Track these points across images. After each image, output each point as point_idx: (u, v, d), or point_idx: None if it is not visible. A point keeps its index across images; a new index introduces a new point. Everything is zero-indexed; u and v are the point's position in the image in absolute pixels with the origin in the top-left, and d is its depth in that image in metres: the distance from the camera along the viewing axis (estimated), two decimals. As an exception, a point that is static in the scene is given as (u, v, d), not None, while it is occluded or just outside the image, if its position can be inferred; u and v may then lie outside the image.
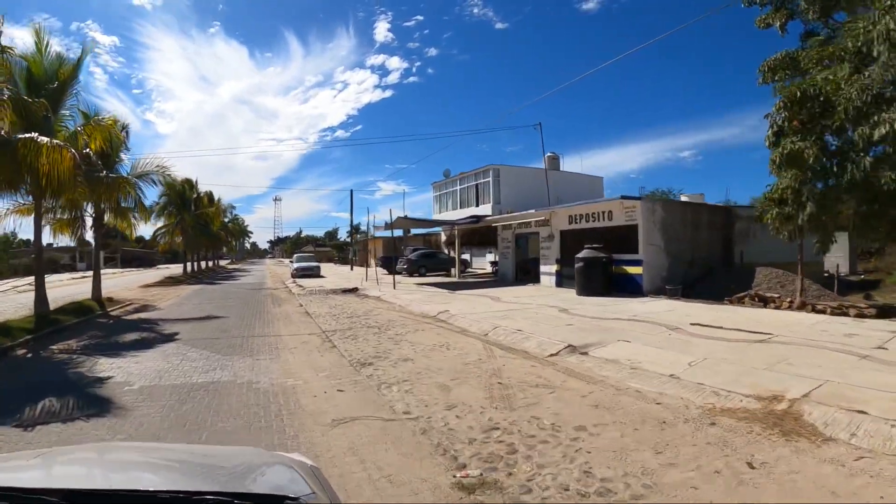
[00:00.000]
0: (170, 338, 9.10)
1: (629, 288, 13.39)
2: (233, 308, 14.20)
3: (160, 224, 29.19)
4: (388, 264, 27.12)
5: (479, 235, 24.75)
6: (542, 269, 17.81)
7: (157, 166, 15.93)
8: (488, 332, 8.83)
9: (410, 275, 25.47)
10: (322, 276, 27.54)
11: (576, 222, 16.03)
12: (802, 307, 10.08)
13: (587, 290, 13.56)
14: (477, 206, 26.97)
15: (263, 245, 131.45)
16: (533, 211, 18.08)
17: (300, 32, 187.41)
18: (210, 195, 37.60)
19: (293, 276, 26.80)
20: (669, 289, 12.53)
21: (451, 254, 26.73)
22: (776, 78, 10.58)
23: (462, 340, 8.27)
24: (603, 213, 14.78)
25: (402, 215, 19.99)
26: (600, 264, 13.53)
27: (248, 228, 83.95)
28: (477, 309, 11.53)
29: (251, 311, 13.58)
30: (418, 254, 27.17)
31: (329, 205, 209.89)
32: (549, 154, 29.12)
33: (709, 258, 14.63)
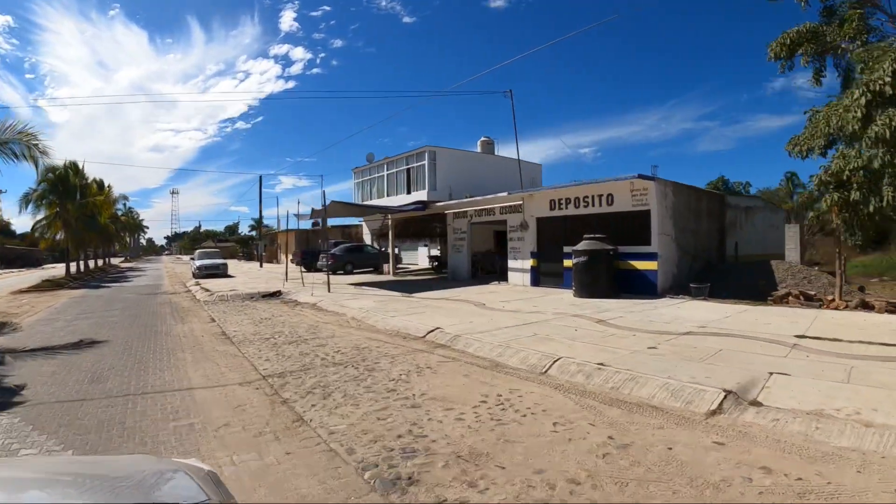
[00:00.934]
0: (4, 401, 4.77)
1: (638, 287, 11.18)
2: (120, 326, 9.91)
3: (40, 216, 24.41)
4: (307, 260, 23.33)
5: (414, 226, 21.54)
6: (511, 264, 15.12)
7: (21, 133, 11.24)
8: (545, 367, 5.74)
9: (334, 272, 21.66)
10: (230, 276, 22.97)
11: (560, 208, 13.53)
12: (864, 306, 8.53)
13: (589, 290, 11.09)
14: (408, 192, 23.69)
15: (160, 241, 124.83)
16: (504, 194, 15.26)
17: (203, 18, 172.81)
18: (100, 183, 31.67)
19: (195, 276, 22.44)
20: (695, 287, 10.51)
21: (385, 248, 23.30)
22: (801, 51, 10.34)
23: (517, 387, 5.10)
24: (600, 196, 12.43)
25: (332, 201, 15.95)
26: (606, 258, 11.14)
27: (144, 223, 76.82)
28: (476, 323, 8.39)
29: (144, 331, 9.27)
30: (343, 248, 23.42)
31: (229, 198, 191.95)
32: (483, 139, 26.69)
33: (707, 251, 13.06)
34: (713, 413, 4.18)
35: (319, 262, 22.62)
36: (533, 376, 5.52)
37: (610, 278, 11.15)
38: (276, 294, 14.71)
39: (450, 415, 4.29)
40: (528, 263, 14.41)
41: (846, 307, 8.72)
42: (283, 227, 42.09)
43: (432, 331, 7.79)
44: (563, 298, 11.19)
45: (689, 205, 12.58)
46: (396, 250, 24.26)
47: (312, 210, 17.65)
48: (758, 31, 71.22)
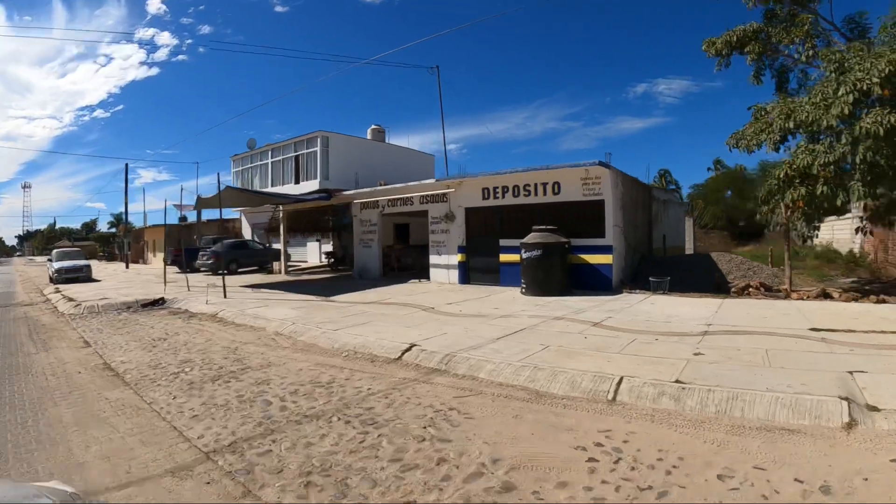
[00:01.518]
0: None
1: (592, 283, 10.50)
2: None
3: None
4: (184, 259, 19.55)
5: (305, 220, 18.79)
6: (434, 259, 13.56)
7: None
8: (610, 392, 4.42)
9: (214, 272, 18.16)
10: (95, 280, 19.08)
11: (495, 197, 12.34)
12: (825, 296, 8.82)
13: (543, 287, 10.10)
14: (297, 182, 20.71)
15: (11, 241, 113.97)
16: (430, 180, 13.57)
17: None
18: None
19: (54, 280, 18.77)
20: (654, 282, 10.14)
21: (272, 244, 20.62)
22: (746, 50, 10.95)
23: (604, 427, 3.71)
24: (545, 184, 11.51)
25: (227, 187, 12.78)
26: (560, 252, 10.24)
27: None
28: (453, 334, 6.78)
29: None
30: (226, 245, 19.67)
31: (85, 193, 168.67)
32: (373, 126, 24.65)
33: (642, 244, 13.03)
34: (850, 426, 3.45)
35: (199, 262, 19.07)
36: (602, 406, 4.12)
37: (564, 274, 10.29)
38: (159, 302, 11.53)
39: (576, 496, 2.61)
40: (455, 259, 13.00)
41: (809, 297, 8.89)
42: (149, 222, 38.34)
43: (408, 349, 5.90)
44: (515, 298, 10.01)
45: (632, 196, 12.38)
46: (279, 245, 21.00)
47: (198, 199, 14.07)
48: (622, 39, 79.53)
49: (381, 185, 15.57)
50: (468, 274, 12.85)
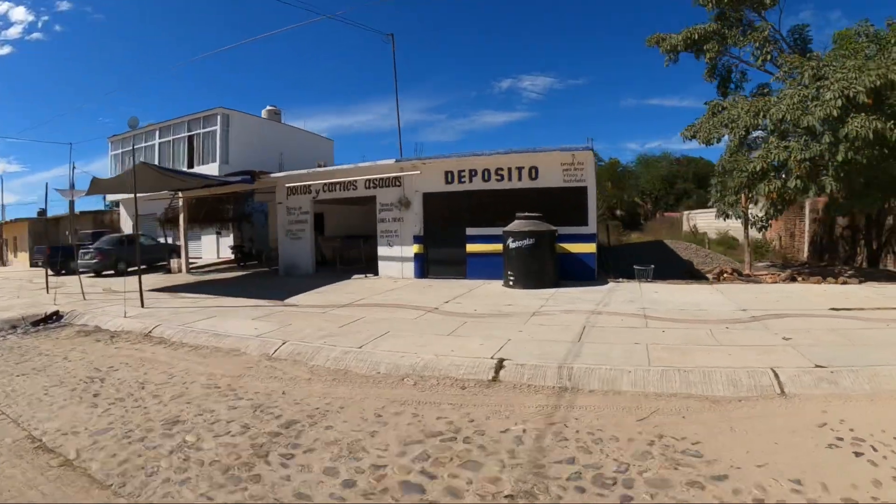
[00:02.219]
0: None
1: (576, 273, 10.17)
2: None
3: None
4: (58, 259, 16.65)
5: (204, 210, 15.79)
6: (385, 251, 12.15)
7: None
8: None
9: (98, 273, 15.43)
10: None
11: (460, 181, 11.34)
12: (793, 280, 9.61)
13: (534, 279, 9.51)
14: (190, 166, 17.43)
15: None
16: (388, 161, 11.91)
17: None
18: None
19: None
20: (639, 270, 10.10)
21: (167, 238, 17.32)
22: (706, 48, 11.91)
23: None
24: (520, 169, 10.83)
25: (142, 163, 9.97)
26: (550, 241, 9.70)
27: None
28: (519, 340, 5.80)
29: None
30: (111, 240, 16.72)
31: None
32: (269, 107, 21.87)
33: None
34: None
35: (80, 261, 15.07)
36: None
37: (555, 265, 9.77)
38: (54, 318, 8.60)
39: None
40: (411, 250, 11.76)
41: (781, 280, 9.54)
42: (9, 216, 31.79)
43: (498, 365, 4.66)
44: (507, 292, 9.28)
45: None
46: (169, 239, 17.37)
47: (94, 181, 10.79)
48: (488, 36, 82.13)
49: (319, 165, 13.54)
50: (426, 267, 11.69)
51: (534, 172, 10.77)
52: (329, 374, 4.87)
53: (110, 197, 22.53)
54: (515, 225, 9.73)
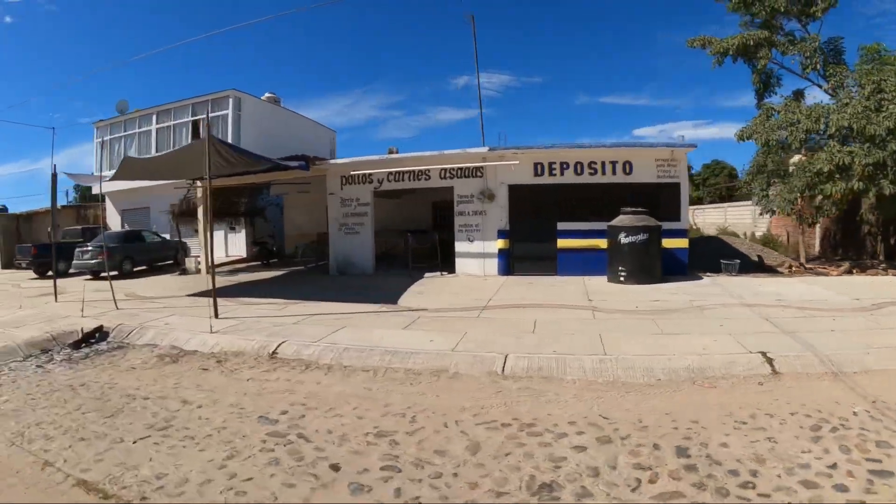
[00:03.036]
0: None
1: (671, 267, 10.45)
2: None
3: None
4: (46, 259, 15.00)
5: (219, 202, 14.17)
6: (463, 247, 11.74)
7: None
8: None
9: (97, 275, 13.70)
10: None
11: (550, 174, 11.22)
12: (850, 273, 10.77)
13: (646, 275, 9.72)
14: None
15: None
16: (471, 149, 11.40)
17: None
18: None
19: None
20: (725, 264, 10.67)
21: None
22: (759, 55, 12.69)
23: None
24: (614, 163, 10.94)
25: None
26: (658, 237, 9.97)
27: None
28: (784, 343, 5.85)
29: None
30: (115, 236, 14.91)
31: None
32: (268, 94, 20.03)
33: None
34: None
35: (78, 261, 13.70)
36: None
37: (660, 259, 10.02)
38: (96, 335, 6.98)
39: None
40: (494, 246, 11.47)
41: (842, 273, 10.59)
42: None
43: (768, 358, 4.81)
44: (627, 288, 9.31)
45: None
46: (165, 236, 15.28)
47: (126, 161, 9.27)
48: (444, 33, 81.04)
49: (391, 152, 12.53)
50: (511, 263, 11.44)
51: (627, 167, 10.96)
52: (605, 387, 4.49)
53: (106, 188, 19.62)
54: (626, 220, 9.85)
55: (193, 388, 4.76)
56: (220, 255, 16.39)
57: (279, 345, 5.84)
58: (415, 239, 12.60)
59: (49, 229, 18.92)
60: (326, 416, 3.92)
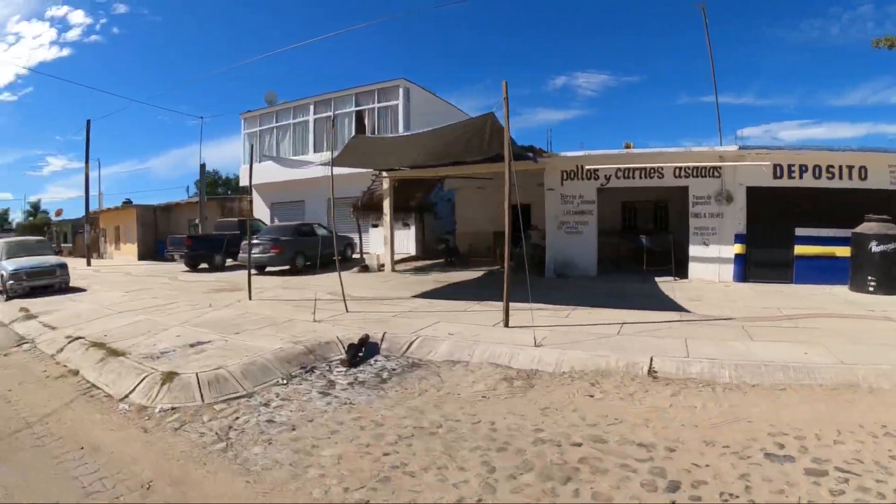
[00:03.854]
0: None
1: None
2: None
3: None
4: (200, 252, 15.44)
5: (399, 196, 13.93)
6: (698, 251, 11.30)
7: None
8: None
9: (261, 270, 13.42)
10: (77, 289, 12.13)
11: (790, 176, 10.82)
12: None
13: (889, 286, 9.15)
14: None
15: None
16: (704, 147, 11.12)
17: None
18: None
19: (10, 291, 11.34)
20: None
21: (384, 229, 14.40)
22: None
23: None
24: (850, 168, 10.51)
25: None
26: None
27: None
28: None
29: None
30: (286, 229, 14.37)
31: None
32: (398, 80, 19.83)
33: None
34: None
35: (251, 254, 12.31)
36: None
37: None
38: (365, 348, 5.95)
39: None
40: (731, 250, 11.05)
41: None
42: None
43: None
44: (882, 300, 8.62)
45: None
46: (322, 231, 14.90)
47: (356, 139, 9.33)
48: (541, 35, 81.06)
49: (627, 147, 12.16)
50: (747, 269, 10.98)
51: (862, 172, 10.57)
52: None
53: (255, 180, 19.39)
54: (874, 227, 9.52)
55: (625, 423, 3.78)
56: (380, 251, 16.00)
57: (651, 361, 5.10)
58: (650, 241, 12.14)
59: (197, 221, 18.73)
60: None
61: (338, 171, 14.58)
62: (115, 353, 5.76)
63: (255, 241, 13.18)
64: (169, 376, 4.78)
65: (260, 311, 8.04)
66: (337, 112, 17.09)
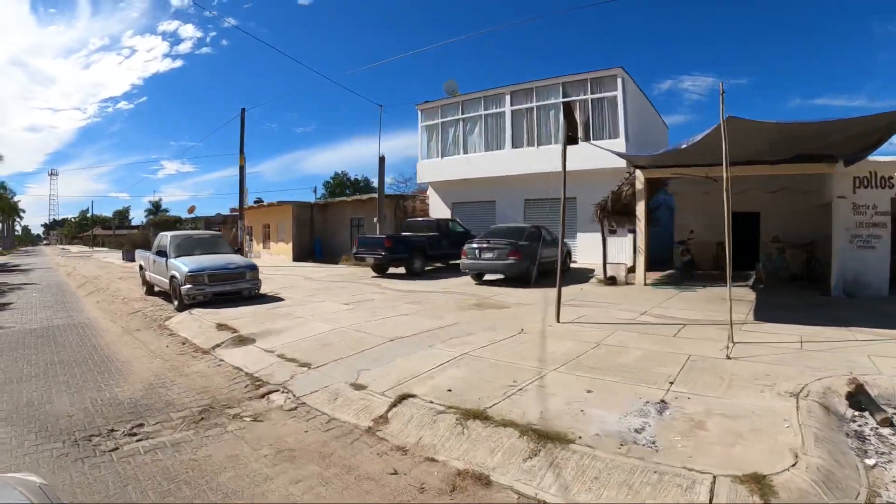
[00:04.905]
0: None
1: None
2: None
3: None
4: (398, 254, 14.05)
5: (620, 200, 12.69)
6: None
7: None
8: None
9: (478, 278, 12.72)
10: (276, 298, 10.45)
11: None
12: None
13: None
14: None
15: (37, 230, 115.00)
16: None
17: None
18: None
19: (186, 297, 9.33)
20: None
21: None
22: None
23: None
24: None
25: None
26: None
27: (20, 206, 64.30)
28: None
29: None
30: (519, 232, 12.93)
31: (108, 184, 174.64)
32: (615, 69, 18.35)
33: None
34: None
35: (479, 262, 12.13)
36: None
37: None
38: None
39: None
40: None
41: None
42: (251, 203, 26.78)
43: None
44: None
45: None
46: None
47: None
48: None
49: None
50: None
51: None
52: None
53: (434, 177, 19.18)
54: None
55: None
56: (590, 261, 14.80)
57: None
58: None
59: (374, 220, 18.23)
60: None
61: (549, 167, 13.74)
62: (548, 437, 3.41)
63: (487, 245, 12.15)
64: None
65: (620, 342, 6.17)
66: (539, 103, 16.08)
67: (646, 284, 11.93)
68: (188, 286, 9.26)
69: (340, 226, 22.48)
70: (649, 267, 13.12)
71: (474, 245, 12.43)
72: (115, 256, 34.07)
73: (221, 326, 7.58)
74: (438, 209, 18.96)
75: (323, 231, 23.08)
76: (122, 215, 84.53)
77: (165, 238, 11.19)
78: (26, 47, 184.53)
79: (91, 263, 26.76)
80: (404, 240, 14.49)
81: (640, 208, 11.92)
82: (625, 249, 14.51)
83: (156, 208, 65.78)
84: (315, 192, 48.28)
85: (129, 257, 26.19)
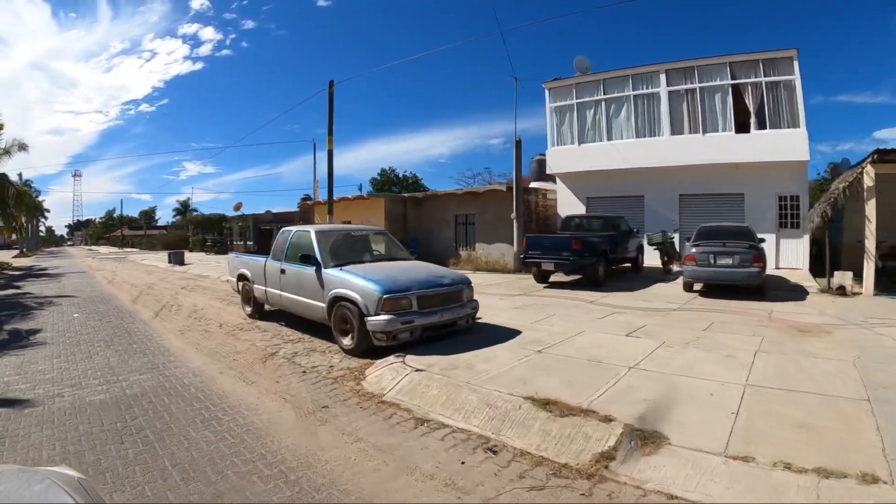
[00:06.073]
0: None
1: None
2: None
3: None
4: (590, 259, 11.54)
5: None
6: None
7: None
8: None
9: (690, 288, 10.87)
10: (509, 331, 7.08)
11: None
12: None
13: None
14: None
15: (60, 231, 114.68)
16: None
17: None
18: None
19: (377, 340, 5.97)
20: None
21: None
22: None
23: None
24: None
25: None
26: None
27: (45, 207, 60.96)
28: None
29: None
30: (729, 230, 11.07)
31: (131, 185, 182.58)
32: (790, 51, 16.50)
33: None
34: None
35: (706, 269, 10.21)
36: None
37: None
38: None
39: None
40: None
41: None
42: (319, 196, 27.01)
43: None
44: None
45: None
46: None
47: None
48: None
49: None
50: None
51: None
52: None
53: (563, 167, 17.22)
54: None
55: None
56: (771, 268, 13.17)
57: None
58: None
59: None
60: None
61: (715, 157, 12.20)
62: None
63: (723, 250, 10.14)
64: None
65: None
66: (701, 84, 14.46)
67: (875, 295, 10.30)
68: (384, 318, 5.88)
69: (442, 223, 19.79)
70: (819, 270, 11.89)
71: (708, 249, 10.25)
72: (154, 258, 32.10)
73: (539, 403, 4.13)
74: (568, 205, 16.83)
75: (417, 229, 20.37)
76: (148, 215, 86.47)
77: (308, 236, 7.51)
78: (48, 52, 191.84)
79: (131, 267, 24.95)
80: (593, 242, 11.98)
81: (871, 208, 10.31)
82: (797, 252, 13.14)
83: (184, 208, 64.61)
84: (360, 188, 46.67)
85: (178, 260, 24.90)
